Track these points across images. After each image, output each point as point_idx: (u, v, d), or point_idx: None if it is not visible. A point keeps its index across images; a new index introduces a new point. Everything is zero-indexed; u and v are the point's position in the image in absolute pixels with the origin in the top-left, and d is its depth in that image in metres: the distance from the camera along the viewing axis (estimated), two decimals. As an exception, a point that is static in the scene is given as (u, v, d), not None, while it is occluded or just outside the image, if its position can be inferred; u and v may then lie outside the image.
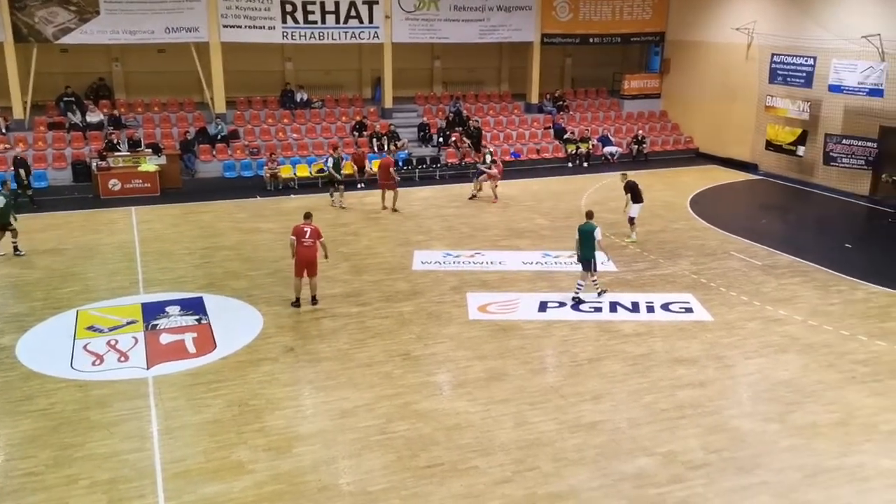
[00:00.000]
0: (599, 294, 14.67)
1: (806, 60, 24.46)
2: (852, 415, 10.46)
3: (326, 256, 14.45)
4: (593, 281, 14.62)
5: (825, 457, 9.45)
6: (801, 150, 25.03)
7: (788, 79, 25.19)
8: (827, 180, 24.43)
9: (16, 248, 16.92)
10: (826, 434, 9.98)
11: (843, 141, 23.37)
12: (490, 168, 22.65)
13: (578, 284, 14.50)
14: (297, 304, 14.11)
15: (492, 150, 24.88)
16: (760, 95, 26.41)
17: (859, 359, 12.19)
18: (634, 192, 18.25)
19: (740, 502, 8.56)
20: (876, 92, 22.18)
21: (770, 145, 26.05)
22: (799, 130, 25.00)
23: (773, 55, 25.59)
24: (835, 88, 23.40)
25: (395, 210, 21.10)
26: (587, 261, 14.38)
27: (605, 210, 21.38)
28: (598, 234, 14.19)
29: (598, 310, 14.18)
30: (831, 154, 23.67)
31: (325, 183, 22.25)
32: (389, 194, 21.30)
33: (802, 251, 17.62)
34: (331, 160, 21.88)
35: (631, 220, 18.32)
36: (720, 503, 8.54)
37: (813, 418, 10.37)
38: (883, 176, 21.88)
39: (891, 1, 21.79)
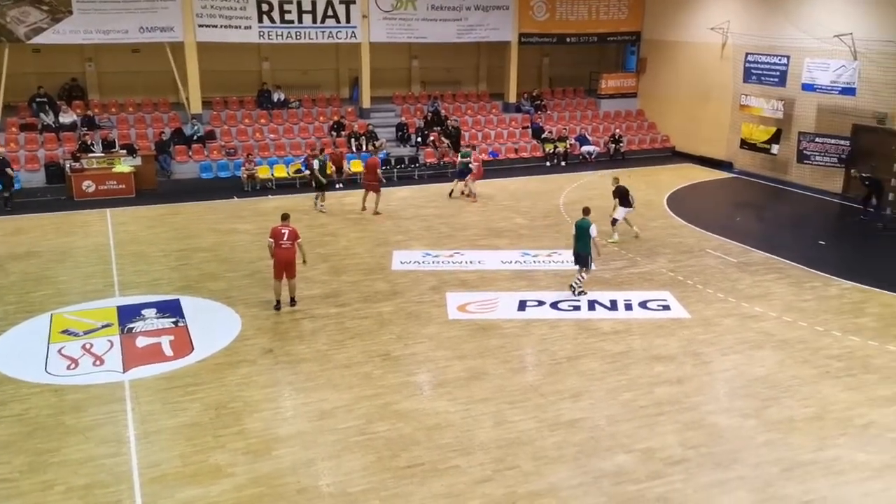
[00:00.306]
0: (573, 289, 14.80)
1: (779, 60, 24.75)
2: (827, 409, 10.61)
3: (304, 261, 14.36)
4: (580, 277, 14.78)
5: (801, 451, 9.57)
6: (775, 149, 25.31)
7: (762, 78, 25.48)
8: (801, 178, 24.74)
9: None
10: (802, 429, 10.10)
11: (817, 139, 23.67)
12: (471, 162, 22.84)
13: (577, 278, 14.86)
14: (277, 306, 14.01)
15: (474, 146, 24.96)
16: (735, 94, 26.67)
17: (833, 354, 12.36)
18: (623, 198, 18.35)
19: (718, 497, 8.64)
20: (848, 90, 22.49)
21: (745, 144, 26.32)
22: (773, 129, 25.28)
23: (747, 54, 25.86)
24: (808, 87, 23.69)
25: (376, 213, 20.86)
26: (582, 256, 14.60)
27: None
28: (593, 230, 14.43)
29: (577, 308, 14.25)
30: (805, 152, 23.97)
31: (317, 186, 21.24)
32: (372, 196, 21.09)
33: (777, 248, 17.83)
34: (317, 162, 21.28)
35: (614, 222, 18.44)
36: (698, 498, 8.61)
37: (789, 413, 10.50)
38: (852, 171, 22.20)
39: (862, 0, 22.10)
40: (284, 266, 13.87)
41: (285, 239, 13.80)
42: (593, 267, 14.96)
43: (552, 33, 29.89)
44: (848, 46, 22.29)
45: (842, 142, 23.11)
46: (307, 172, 24.06)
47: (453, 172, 24.03)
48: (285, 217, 14.18)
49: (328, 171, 23.46)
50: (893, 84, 21.41)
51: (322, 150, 22.45)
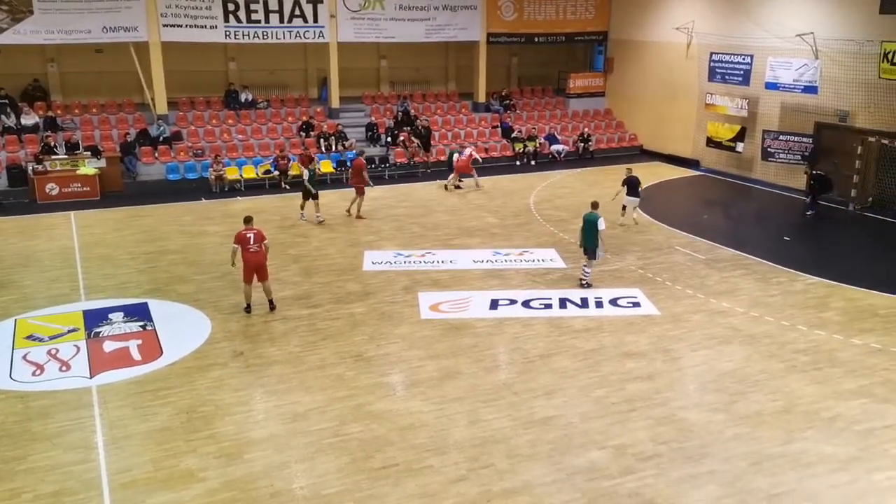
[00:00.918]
0: (581, 281, 15.24)
1: (743, 59, 25.13)
2: (794, 403, 10.80)
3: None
4: (584, 267, 15.23)
5: (769, 444, 9.72)
6: (740, 147, 25.70)
7: (727, 77, 25.85)
8: (765, 175, 25.15)
9: None
10: (770, 422, 10.28)
11: (780, 137, 24.07)
12: (462, 156, 23.84)
13: (584, 270, 15.21)
14: (248, 309, 13.84)
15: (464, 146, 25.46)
16: (700, 93, 27.03)
17: (800, 348, 12.59)
18: (632, 188, 19.25)
19: (689, 491, 8.75)
20: (810, 89, 22.91)
21: (710, 142, 26.68)
22: (738, 127, 25.66)
23: (711, 54, 26.23)
24: (771, 86, 24.09)
25: (359, 217, 20.38)
26: (590, 248, 14.95)
27: (551, 207, 21.68)
28: (601, 223, 14.73)
29: (549, 306, 14.34)
30: (769, 150, 24.36)
31: (305, 194, 19.92)
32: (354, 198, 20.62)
33: (743, 244, 18.11)
34: (307, 172, 19.99)
35: (624, 208, 19.36)
36: (670, 493, 8.71)
37: (757, 407, 10.67)
38: (805, 169, 22.63)
39: (823, 0, 22.53)
40: (255, 269, 13.64)
41: (252, 243, 13.53)
42: (601, 254, 15.30)
43: (520, 33, 30.03)
44: (810, 46, 22.72)
45: (805, 139, 23.53)
46: (276, 173, 23.93)
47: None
48: (248, 220, 13.92)
49: (294, 171, 23.36)
50: (854, 82, 21.86)
51: (312, 160, 21.49)
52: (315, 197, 19.79)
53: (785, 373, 11.72)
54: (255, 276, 13.72)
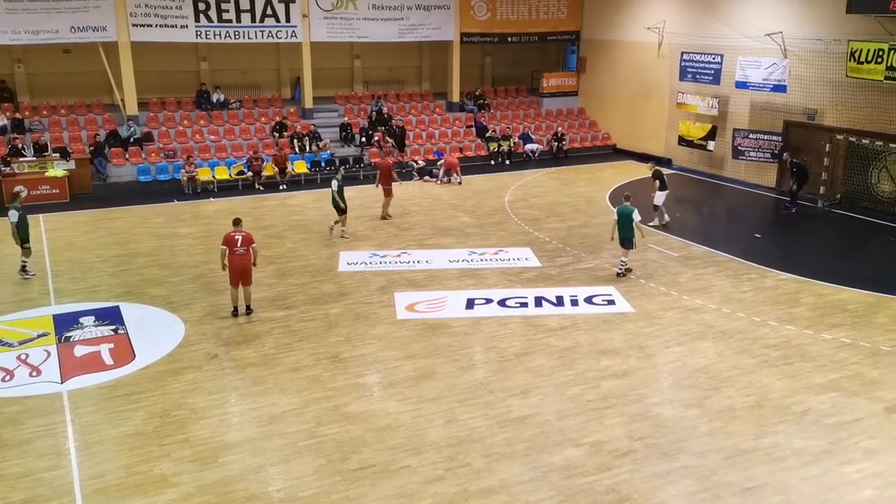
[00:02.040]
0: (619, 274, 15.79)
1: (713, 58, 25.41)
2: (766, 398, 10.94)
3: (255, 263, 13.85)
4: (621, 258, 15.87)
5: (742, 439, 9.85)
6: (711, 145, 25.99)
7: (697, 76, 26.12)
8: (736, 173, 25.46)
9: (24, 268, 15.63)
10: (742, 417, 10.40)
11: (750, 135, 24.39)
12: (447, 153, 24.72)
13: (622, 261, 15.85)
14: (235, 313, 13.67)
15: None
16: (672, 92, 27.30)
17: (771, 343, 12.76)
18: (661, 180, 19.35)
19: (665, 486, 8.83)
20: (779, 87, 23.23)
21: (682, 140, 26.95)
22: (709, 126, 25.95)
23: (682, 53, 26.49)
24: (741, 85, 24.37)
25: (385, 217, 20.20)
26: (627, 239, 15.65)
27: (526, 206, 21.76)
28: (635, 215, 15.44)
29: (524, 305, 14.39)
30: (739, 148, 24.66)
31: (335, 209, 18.45)
32: (386, 200, 20.32)
33: (715, 242, 18.32)
34: (335, 183, 18.29)
35: (656, 207, 19.39)
36: (646, 488, 8.79)
37: (730, 402, 10.79)
38: (784, 155, 22.88)
39: (792, 0, 22.86)
40: (240, 273, 13.46)
41: (239, 245, 13.37)
42: (635, 244, 15.86)
43: (493, 33, 30.10)
44: (778, 45, 23.03)
45: (774, 137, 23.87)
46: (250, 174, 23.75)
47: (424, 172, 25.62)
48: (237, 222, 13.79)
49: (268, 172, 23.21)
50: (822, 81, 22.20)
51: (340, 170, 19.87)
52: (343, 211, 18.43)
53: (757, 368, 11.88)
54: (240, 281, 13.53)
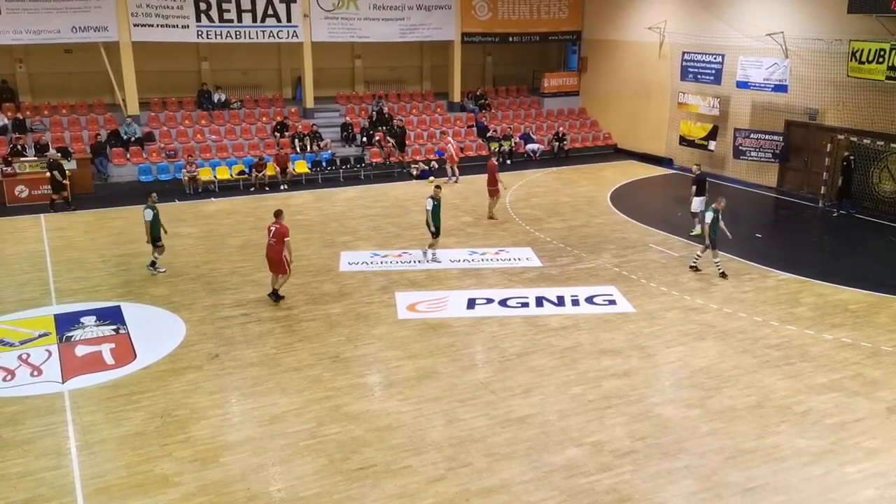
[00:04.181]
0: (722, 275, 15.85)
1: (714, 58, 25.39)
2: (767, 398, 10.93)
3: (290, 260, 14.27)
4: (716, 262, 15.92)
5: (743, 439, 9.84)
6: (712, 145, 25.97)
7: (699, 76, 26.11)
8: (737, 173, 25.44)
9: (154, 265, 15.98)
10: (744, 417, 10.39)
11: (752, 135, 24.37)
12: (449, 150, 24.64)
13: (715, 264, 15.97)
14: (271, 296, 14.42)
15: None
16: (673, 92, 27.29)
17: (772, 343, 12.75)
18: (700, 186, 18.92)
19: (666, 486, 8.83)
20: (780, 87, 23.22)
21: (683, 140, 26.94)
22: (710, 126, 25.94)
23: (683, 53, 26.47)
24: (742, 85, 24.36)
25: (491, 217, 20.21)
26: (714, 239, 15.76)
27: (527, 206, 21.75)
28: (707, 215, 15.67)
29: (525, 305, 14.38)
30: (740, 148, 24.64)
31: (431, 230, 16.84)
32: (491, 200, 20.22)
33: (716, 242, 18.23)
34: (430, 202, 16.63)
35: (694, 215, 18.97)
36: (647, 488, 8.78)
37: (731, 402, 10.79)
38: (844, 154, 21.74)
39: (793, 0, 22.84)
40: (269, 263, 14.24)
41: (271, 236, 14.05)
42: (706, 242, 15.93)
43: (495, 32, 30.09)
44: (779, 45, 23.01)
45: (775, 137, 23.85)
46: (251, 174, 23.75)
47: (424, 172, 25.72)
48: (278, 213, 14.39)
49: (270, 172, 23.21)
50: (823, 81, 22.19)
51: (439, 187, 17.43)
52: (436, 234, 16.84)
53: (758, 368, 11.87)
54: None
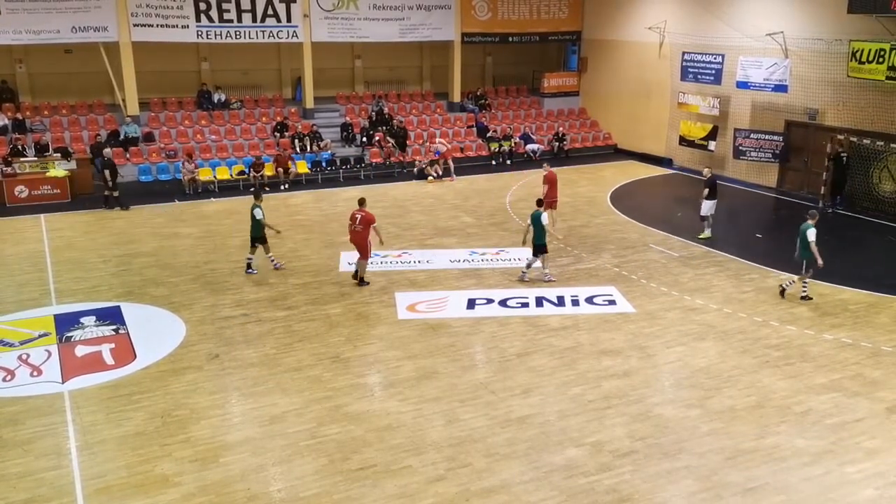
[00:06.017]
0: (803, 297, 14.61)
1: (714, 58, 25.39)
2: (767, 398, 10.93)
3: (381, 242, 15.58)
4: (803, 283, 14.64)
5: (743, 439, 9.84)
6: (712, 145, 25.96)
7: (699, 76, 26.10)
8: (737, 173, 25.44)
9: (273, 262, 16.30)
10: (744, 417, 10.40)
11: (752, 135, 24.37)
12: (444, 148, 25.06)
13: (803, 283, 14.65)
14: (360, 282, 15.29)
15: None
16: (673, 92, 27.28)
17: (772, 344, 12.76)
18: (712, 189, 18.33)
19: (666, 486, 8.83)
20: (780, 87, 23.21)
21: (683, 140, 26.93)
22: (710, 126, 25.93)
23: (683, 53, 26.46)
24: (742, 85, 24.35)
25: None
26: (804, 259, 14.41)
27: (527, 207, 21.70)
28: (811, 234, 14.11)
29: (525, 305, 14.38)
30: (740, 148, 24.64)
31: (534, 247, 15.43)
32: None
33: (716, 242, 18.29)
34: (540, 218, 15.11)
35: (703, 218, 18.48)
36: (647, 488, 8.78)
37: (731, 403, 10.79)
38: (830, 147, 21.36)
39: (793, 0, 22.84)
40: (354, 247, 15.17)
41: (357, 223, 14.93)
42: (812, 271, 14.49)
43: (494, 32, 30.09)
44: (779, 45, 23.02)
45: (775, 137, 23.85)
46: (251, 175, 23.74)
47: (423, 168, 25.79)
48: (361, 202, 15.32)
49: (269, 172, 23.15)
50: (823, 81, 22.18)
51: (542, 203, 16.21)
52: (540, 251, 15.41)
53: (758, 368, 11.87)
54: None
